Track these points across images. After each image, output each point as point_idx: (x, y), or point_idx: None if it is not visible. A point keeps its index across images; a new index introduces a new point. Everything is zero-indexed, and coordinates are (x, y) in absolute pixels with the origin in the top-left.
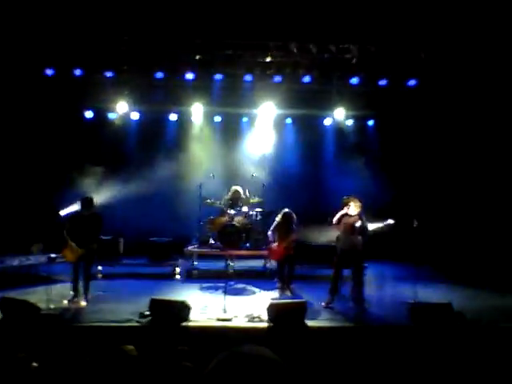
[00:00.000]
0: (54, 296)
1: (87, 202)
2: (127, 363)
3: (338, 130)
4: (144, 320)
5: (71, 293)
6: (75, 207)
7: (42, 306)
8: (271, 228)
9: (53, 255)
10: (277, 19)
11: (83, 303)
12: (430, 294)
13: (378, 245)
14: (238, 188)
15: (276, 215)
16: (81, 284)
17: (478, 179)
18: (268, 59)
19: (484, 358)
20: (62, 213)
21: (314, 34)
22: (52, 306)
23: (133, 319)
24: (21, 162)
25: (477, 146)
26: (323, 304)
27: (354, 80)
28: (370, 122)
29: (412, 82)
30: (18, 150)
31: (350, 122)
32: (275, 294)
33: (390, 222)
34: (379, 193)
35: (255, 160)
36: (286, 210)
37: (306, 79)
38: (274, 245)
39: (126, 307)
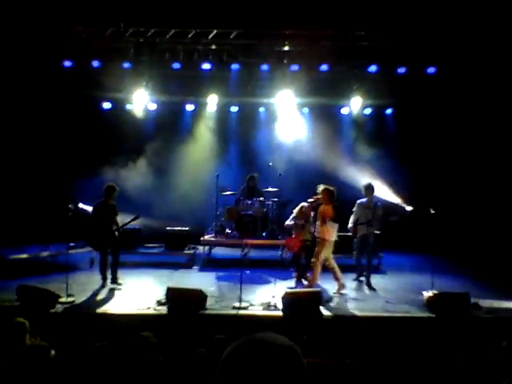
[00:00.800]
0: (73, 284)
1: (111, 190)
2: (146, 349)
3: (356, 119)
4: (161, 308)
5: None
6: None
7: (61, 294)
8: (289, 219)
9: (71, 244)
10: (293, 7)
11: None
12: (447, 284)
13: (394, 234)
14: (254, 175)
15: (293, 206)
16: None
17: (497, 168)
18: (285, 48)
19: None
20: (81, 206)
21: (332, 22)
22: (71, 294)
23: (150, 307)
24: (40, 153)
25: (496, 133)
26: (334, 292)
27: (373, 68)
28: (389, 111)
29: (431, 70)
30: (38, 141)
31: (368, 111)
32: (291, 283)
33: (409, 208)
34: (397, 182)
35: (272, 150)
36: (303, 203)
37: (324, 68)
38: (291, 237)
39: (144, 295)
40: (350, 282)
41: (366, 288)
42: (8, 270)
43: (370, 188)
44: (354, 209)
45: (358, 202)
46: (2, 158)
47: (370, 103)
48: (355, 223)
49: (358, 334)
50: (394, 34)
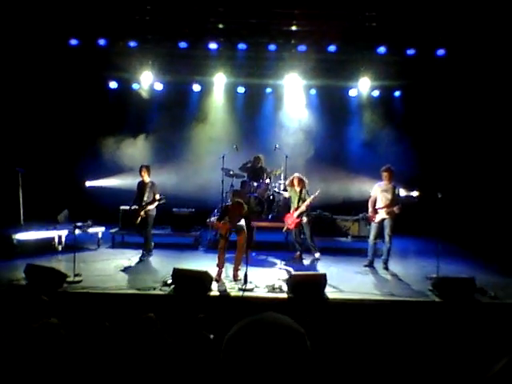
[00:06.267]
0: (80, 264)
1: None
2: (150, 331)
3: (364, 101)
4: (167, 289)
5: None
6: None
7: (68, 273)
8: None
9: (79, 223)
10: None
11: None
12: (452, 269)
13: (401, 219)
14: (260, 155)
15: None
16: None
17: (506, 153)
18: (293, 28)
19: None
20: (88, 184)
21: (340, 2)
22: (78, 273)
23: (156, 287)
24: (47, 132)
25: (506, 117)
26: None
27: (381, 49)
28: (397, 93)
29: (441, 52)
30: (44, 120)
31: (376, 93)
32: (296, 265)
33: (415, 193)
34: (404, 165)
35: (278, 131)
36: (296, 174)
37: (332, 48)
38: (289, 213)
39: (150, 276)
40: (359, 266)
41: (374, 272)
42: (15, 250)
43: (388, 171)
44: (372, 193)
45: (376, 185)
46: (8, 138)
47: (379, 85)
48: (375, 208)
49: (362, 318)
50: (404, 15)
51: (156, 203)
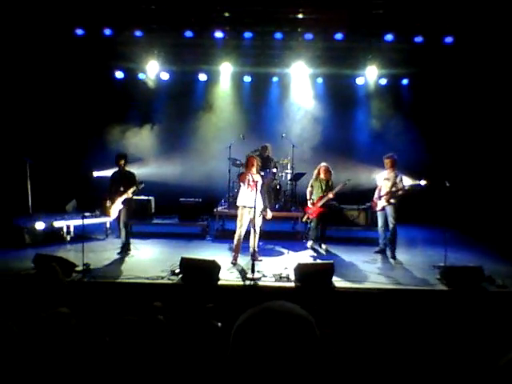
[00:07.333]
0: (89, 253)
1: (124, 158)
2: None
3: (371, 89)
4: (175, 278)
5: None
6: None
7: (77, 262)
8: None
9: (87, 213)
10: None
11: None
12: (460, 257)
13: (409, 208)
14: (267, 145)
15: (307, 178)
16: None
17: None
18: (299, 16)
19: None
20: (96, 174)
21: None
22: (86, 263)
23: (164, 277)
24: (54, 122)
25: None
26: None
27: (389, 37)
28: (405, 81)
29: (449, 39)
30: (51, 111)
31: (383, 81)
32: (306, 253)
33: (423, 182)
34: (412, 153)
35: (285, 120)
36: (323, 164)
37: (338, 36)
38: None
39: (158, 265)
40: (367, 255)
41: (381, 261)
42: (24, 240)
43: (389, 159)
44: (377, 182)
45: (381, 173)
46: (16, 128)
47: (386, 73)
48: (379, 196)
49: (369, 306)
50: (411, 1)
51: (131, 191)
